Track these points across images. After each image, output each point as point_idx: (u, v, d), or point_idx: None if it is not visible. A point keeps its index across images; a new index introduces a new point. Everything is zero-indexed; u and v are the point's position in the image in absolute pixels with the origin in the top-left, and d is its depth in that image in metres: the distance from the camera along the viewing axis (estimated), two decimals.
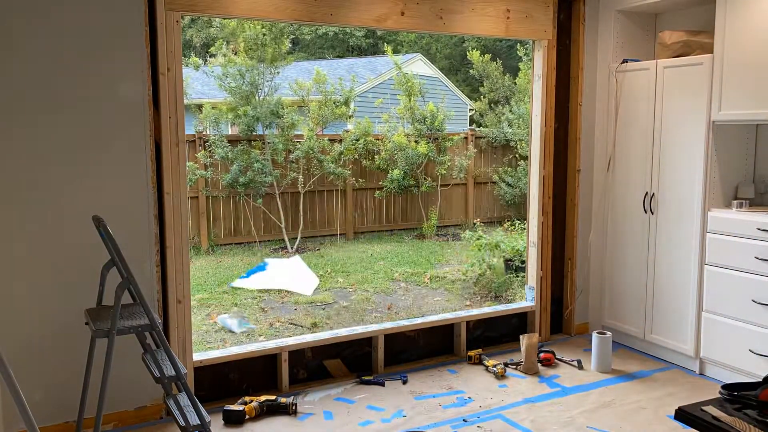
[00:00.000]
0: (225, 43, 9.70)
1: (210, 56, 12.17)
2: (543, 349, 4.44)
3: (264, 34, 8.94)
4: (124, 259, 2.75)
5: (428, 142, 10.22)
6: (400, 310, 6.34)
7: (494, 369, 4.18)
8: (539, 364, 4.28)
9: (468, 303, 6.63)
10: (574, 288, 4.90)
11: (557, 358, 4.38)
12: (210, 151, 8.98)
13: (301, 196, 9.43)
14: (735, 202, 4.02)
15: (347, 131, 10.01)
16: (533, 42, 4.63)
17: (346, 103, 10.12)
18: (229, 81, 9.17)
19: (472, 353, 4.42)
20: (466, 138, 10.97)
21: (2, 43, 3.08)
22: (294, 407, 3.65)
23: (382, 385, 4.07)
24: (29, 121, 3.17)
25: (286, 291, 7.02)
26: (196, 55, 14.08)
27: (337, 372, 4.19)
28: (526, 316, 4.86)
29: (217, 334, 5.61)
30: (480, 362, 4.37)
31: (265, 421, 3.58)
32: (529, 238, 4.85)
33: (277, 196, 9.23)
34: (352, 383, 4.08)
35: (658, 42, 4.43)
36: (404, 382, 4.10)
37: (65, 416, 3.35)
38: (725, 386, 2.57)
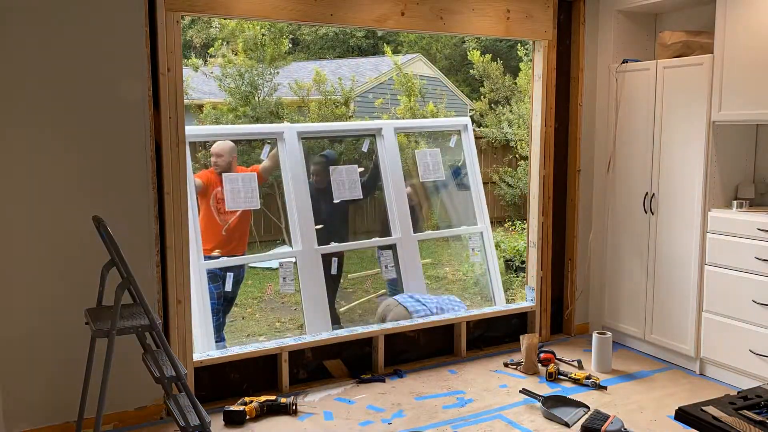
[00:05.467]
0: (225, 43, 9.71)
1: (210, 57, 12.18)
2: (543, 349, 4.44)
3: (263, 35, 8.95)
4: (124, 259, 2.75)
5: (428, 143, 10.21)
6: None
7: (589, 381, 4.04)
8: (539, 365, 4.27)
9: (468, 303, 6.63)
10: (574, 288, 4.90)
11: (557, 359, 4.38)
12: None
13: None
14: (735, 202, 4.01)
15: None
16: (533, 42, 4.63)
17: (346, 103, 10.12)
18: (228, 81, 9.17)
19: (551, 370, 4.10)
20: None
21: (2, 42, 3.08)
22: (294, 407, 3.65)
23: (383, 381, 4.09)
24: (29, 121, 3.18)
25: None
26: (196, 56, 14.08)
27: (337, 372, 4.19)
28: (526, 316, 4.86)
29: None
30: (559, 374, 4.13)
31: (265, 422, 3.59)
32: (529, 238, 4.86)
33: (277, 196, 9.22)
34: (353, 383, 4.08)
35: (658, 42, 4.43)
36: (400, 376, 4.16)
37: (65, 416, 3.35)
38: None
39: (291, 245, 4.74)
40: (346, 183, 4.80)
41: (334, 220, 4.98)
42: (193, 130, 4.61)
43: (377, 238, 5.08)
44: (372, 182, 5.15)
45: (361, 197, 4.95)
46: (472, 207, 5.54)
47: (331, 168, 4.84)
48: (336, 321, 4.83)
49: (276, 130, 4.98)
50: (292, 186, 4.64)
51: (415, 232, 5.05)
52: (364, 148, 5.23)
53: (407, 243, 4.92)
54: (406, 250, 4.90)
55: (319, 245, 4.68)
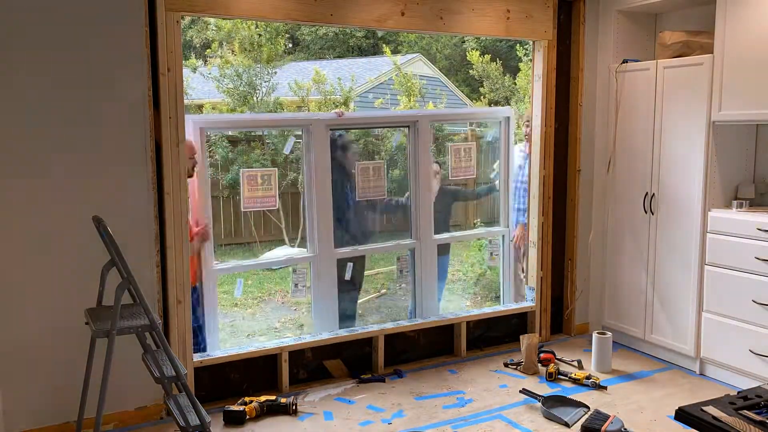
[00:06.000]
0: (221, 45, 9.72)
1: (208, 57, 12.19)
2: (543, 349, 4.44)
3: (260, 35, 8.95)
4: (124, 259, 2.75)
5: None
6: (401, 310, 6.34)
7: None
8: (539, 365, 4.27)
9: (468, 303, 6.63)
10: (574, 288, 4.90)
11: (557, 359, 4.38)
12: (210, 152, 8.98)
13: (302, 196, 9.41)
14: (735, 202, 4.01)
15: (347, 131, 10.02)
16: (533, 42, 4.63)
17: (346, 103, 10.12)
18: (226, 82, 9.17)
19: (551, 370, 4.11)
20: (466, 138, 10.95)
21: (1, 42, 3.08)
22: (294, 407, 3.65)
23: (383, 381, 4.09)
24: (29, 121, 3.17)
25: (286, 291, 7.03)
26: (195, 57, 14.10)
27: (337, 372, 4.19)
28: (526, 316, 4.86)
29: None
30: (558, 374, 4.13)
31: (265, 422, 3.58)
32: (529, 238, 4.85)
33: (278, 196, 9.22)
34: (353, 383, 4.08)
35: (658, 42, 4.43)
36: (400, 376, 4.17)
37: (65, 416, 3.35)
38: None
39: (290, 245, 4.55)
40: (371, 180, 4.43)
41: (355, 216, 4.67)
42: (209, 118, 4.19)
43: (398, 241, 4.67)
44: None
45: (385, 196, 4.59)
46: (497, 207, 5.17)
47: (358, 164, 4.47)
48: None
49: (302, 118, 4.45)
50: (315, 184, 4.25)
51: (435, 234, 4.68)
52: (395, 142, 4.94)
53: (427, 246, 4.60)
54: (425, 253, 4.59)
55: (336, 247, 4.34)
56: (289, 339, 4.15)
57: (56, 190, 3.26)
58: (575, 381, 4.05)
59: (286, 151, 4.50)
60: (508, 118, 5.02)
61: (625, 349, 4.63)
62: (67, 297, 3.28)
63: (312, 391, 3.96)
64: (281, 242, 9.23)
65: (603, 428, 3.37)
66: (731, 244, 3.89)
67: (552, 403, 3.69)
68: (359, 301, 5.00)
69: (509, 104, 11.51)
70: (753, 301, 3.77)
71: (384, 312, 6.39)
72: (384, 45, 15.69)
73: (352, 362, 4.24)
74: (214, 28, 10.37)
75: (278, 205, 4.29)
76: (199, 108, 10.18)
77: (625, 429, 3.40)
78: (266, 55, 9.01)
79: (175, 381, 2.85)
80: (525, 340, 4.25)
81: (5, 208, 3.17)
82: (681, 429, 3.32)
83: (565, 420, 3.51)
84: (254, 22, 8.69)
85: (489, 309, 4.86)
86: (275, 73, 9.31)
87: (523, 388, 3.85)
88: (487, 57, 12.08)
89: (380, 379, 4.11)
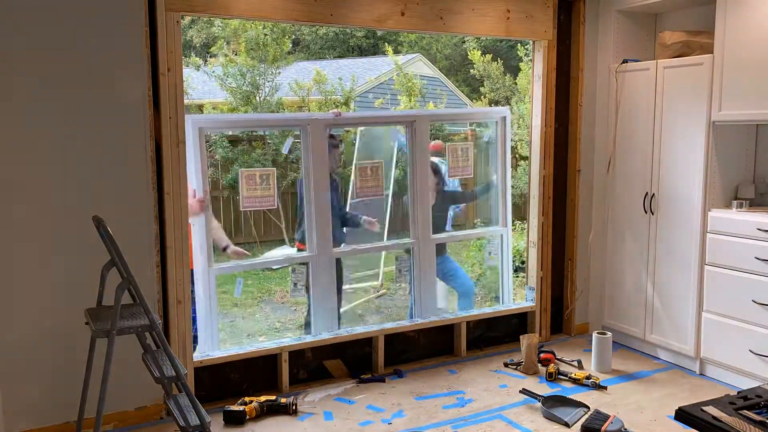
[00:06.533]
0: (226, 43, 9.72)
1: (210, 56, 12.18)
2: (543, 349, 4.44)
3: (265, 35, 8.95)
4: (124, 259, 2.76)
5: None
6: (401, 310, 6.34)
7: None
8: (539, 365, 4.27)
9: None
10: (574, 288, 4.90)
11: (557, 359, 4.38)
12: (211, 151, 8.98)
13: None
14: (735, 202, 4.01)
15: (347, 131, 10.02)
16: (533, 42, 4.63)
17: (346, 103, 10.12)
18: (229, 81, 9.17)
19: (551, 370, 4.11)
20: (466, 138, 10.95)
21: (2, 42, 3.08)
22: (294, 407, 3.65)
23: (383, 381, 4.10)
24: (29, 121, 3.18)
25: (286, 291, 7.03)
26: (196, 55, 14.10)
27: (337, 372, 4.20)
28: (526, 316, 4.86)
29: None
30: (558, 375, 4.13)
31: (265, 422, 3.59)
32: (529, 239, 4.85)
33: (277, 196, 9.21)
34: (353, 383, 4.08)
35: (658, 42, 4.43)
36: (400, 376, 4.17)
37: (65, 416, 3.35)
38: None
39: (290, 245, 4.53)
40: (369, 180, 4.38)
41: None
42: (208, 118, 4.17)
43: (395, 240, 4.69)
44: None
45: (382, 195, 4.53)
46: (496, 207, 5.13)
47: (356, 164, 4.43)
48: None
49: (300, 118, 4.45)
50: (314, 184, 4.21)
51: (434, 233, 4.66)
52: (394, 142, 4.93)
53: (425, 245, 4.57)
54: (424, 252, 4.57)
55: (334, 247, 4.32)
56: (289, 339, 4.15)
57: (56, 190, 3.26)
58: (575, 381, 4.05)
59: (284, 151, 4.51)
60: (505, 117, 4.99)
61: (625, 349, 4.63)
62: (67, 297, 3.28)
63: (312, 391, 3.97)
64: (281, 242, 9.23)
65: (603, 428, 3.37)
66: (731, 244, 3.89)
67: (552, 403, 3.69)
68: (342, 310, 4.96)
69: (509, 104, 11.51)
70: (753, 301, 3.77)
71: (384, 312, 6.39)
72: (385, 45, 15.69)
73: (352, 362, 4.24)
74: (220, 24, 10.38)
75: (278, 205, 4.28)
76: (200, 108, 10.18)
77: (625, 429, 3.40)
78: (272, 56, 9.02)
79: (175, 381, 2.85)
80: (525, 340, 4.25)
81: (5, 208, 3.17)
82: (681, 429, 3.32)
83: (565, 420, 3.51)
84: (260, 22, 8.69)
85: (489, 309, 4.86)
86: (279, 73, 9.31)
87: (523, 388, 3.85)
88: (488, 57, 12.07)
89: (380, 379, 4.12)
